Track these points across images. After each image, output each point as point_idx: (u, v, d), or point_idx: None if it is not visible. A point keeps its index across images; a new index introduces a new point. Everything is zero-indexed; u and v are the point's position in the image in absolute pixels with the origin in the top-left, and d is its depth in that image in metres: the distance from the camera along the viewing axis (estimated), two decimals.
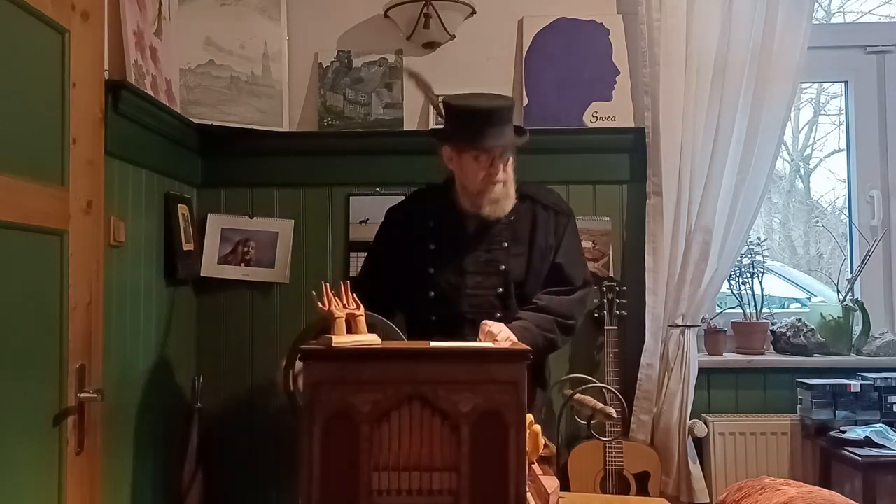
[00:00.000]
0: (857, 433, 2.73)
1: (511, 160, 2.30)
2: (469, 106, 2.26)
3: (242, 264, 3.00)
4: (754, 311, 3.11)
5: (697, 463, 2.90)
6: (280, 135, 3.01)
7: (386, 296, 2.28)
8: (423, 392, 1.37)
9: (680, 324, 2.91)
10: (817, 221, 4.42)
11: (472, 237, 2.32)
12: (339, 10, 3.09)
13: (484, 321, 2.15)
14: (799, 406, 2.97)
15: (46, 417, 1.74)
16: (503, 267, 2.29)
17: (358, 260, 2.96)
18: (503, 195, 2.29)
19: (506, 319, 2.23)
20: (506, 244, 2.31)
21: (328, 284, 1.58)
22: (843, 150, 3.42)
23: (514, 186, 2.33)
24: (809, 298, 3.67)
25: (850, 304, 3.08)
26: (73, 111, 1.85)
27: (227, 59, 2.91)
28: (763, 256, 3.16)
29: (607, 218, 3.03)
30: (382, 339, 1.62)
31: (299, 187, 3.06)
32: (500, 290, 2.28)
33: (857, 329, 3.09)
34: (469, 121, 2.23)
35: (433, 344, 1.58)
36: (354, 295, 1.62)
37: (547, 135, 2.99)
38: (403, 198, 2.59)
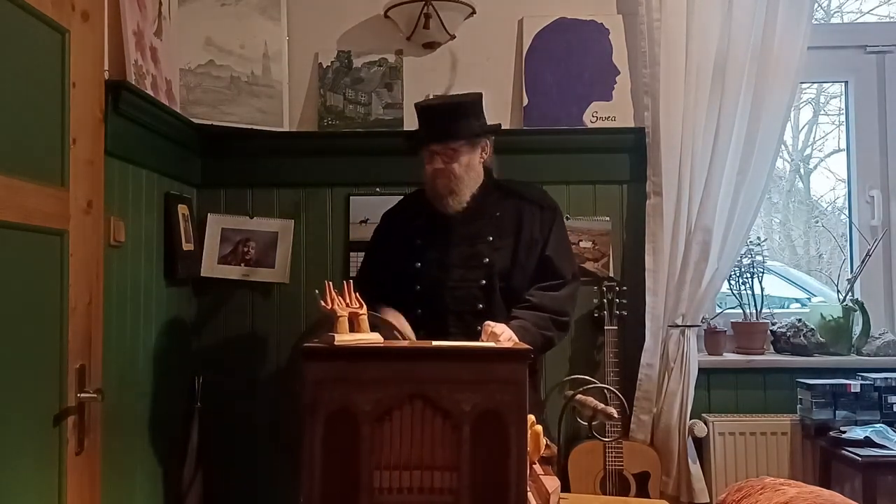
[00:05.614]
0: (857, 433, 2.73)
1: (465, 157, 2.33)
2: (422, 105, 2.40)
3: (242, 264, 3.00)
4: (754, 311, 3.11)
5: (697, 463, 2.90)
6: (280, 135, 3.01)
7: (384, 295, 2.31)
8: (424, 391, 1.37)
9: (680, 324, 2.90)
10: (817, 221, 4.42)
11: (458, 233, 2.37)
12: (339, 10, 3.09)
13: (487, 322, 2.16)
14: (799, 406, 2.96)
15: (46, 417, 1.74)
16: (487, 260, 2.34)
17: (358, 260, 2.96)
18: (447, 191, 2.34)
19: (489, 312, 2.26)
20: (490, 238, 2.36)
21: (331, 283, 1.58)
22: (843, 150, 3.42)
23: (468, 183, 2.35)
24: (809, 298, 3.67)
25: (850, 304, 3.08)
26: (73, 111, 1.84)
27: (227, 59, 2.91)
28: (763, 256, 3.15)
29: (607, 218, 3.03)
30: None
31: (299, 187, 3.06)
32: (484, 282, 2.32)
33: (857, 329, 3.09)
34: (422, 120, 2.37)
35: (435, 343, 1.59)
36: (357, 294, 1.62)
37: (547, 135, 3.00)
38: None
